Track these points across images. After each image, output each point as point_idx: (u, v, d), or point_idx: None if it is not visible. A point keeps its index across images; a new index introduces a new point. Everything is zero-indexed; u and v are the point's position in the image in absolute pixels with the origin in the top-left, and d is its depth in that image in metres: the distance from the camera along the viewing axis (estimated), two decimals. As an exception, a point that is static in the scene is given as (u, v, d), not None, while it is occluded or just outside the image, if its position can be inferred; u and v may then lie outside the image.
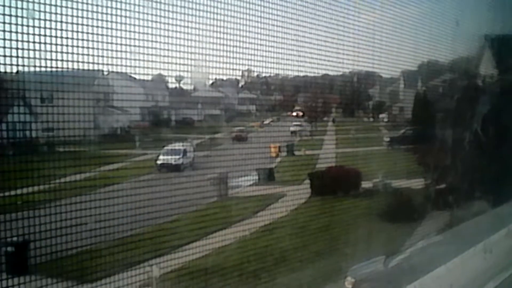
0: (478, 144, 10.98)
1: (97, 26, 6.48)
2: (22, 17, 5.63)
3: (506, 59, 12.72)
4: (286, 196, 13.26)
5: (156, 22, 7.11)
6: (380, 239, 10.00)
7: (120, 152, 12.65)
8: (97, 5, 6.48)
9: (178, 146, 14.59)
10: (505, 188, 9.87)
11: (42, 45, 5.99)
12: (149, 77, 10.40)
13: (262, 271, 10.16)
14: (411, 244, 9.03)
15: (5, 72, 6.47)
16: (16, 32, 5.63)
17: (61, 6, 6.10)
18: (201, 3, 7.61)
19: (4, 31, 5.53)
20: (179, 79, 10.49)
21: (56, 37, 6.06)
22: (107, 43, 6.63)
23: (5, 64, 5.76)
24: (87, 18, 6.30)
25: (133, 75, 10.17)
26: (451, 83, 13.41)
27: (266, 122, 17.83)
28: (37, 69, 6.39)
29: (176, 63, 7.83)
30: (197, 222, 9.86)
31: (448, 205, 11.18)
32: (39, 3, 5.78)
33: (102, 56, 6.78)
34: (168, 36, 7.28)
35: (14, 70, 6.31)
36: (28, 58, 5.95)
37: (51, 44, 6.03)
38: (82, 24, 6.25)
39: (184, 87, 13.85)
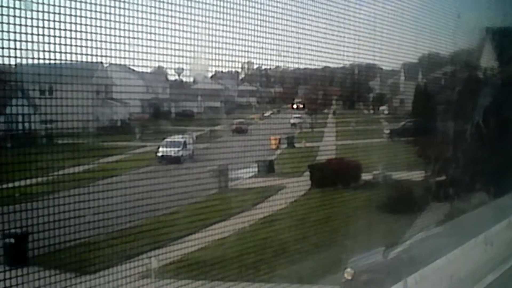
0: (479, 136, 10.95)
1: (96, 18, 6.44)
2: (20, 8, 5.59)
3: (507, 51, 12.68)
4: (286, 188, 13.25)
5: (156, 14, 7.09)
6: (380, 230, 10.00)
7: (120, 144, 12.63)
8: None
9: (178, 138, 14.59)
10: (506, 179, 9.86)
11: (41, 37, 5.96)
12: (149, 69, 10.38)
13: (262, 262, 10.16)
14: (411, 235, 9.02)
15: (3, 65, 6.45)
16: (14, 24, 5.59)
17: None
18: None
19: (1, 23, 5.49)
20: (179, 71, 10.45)
21: (54, 29, 6.02)
22: (107, 35, 6.60)
23: (2, 56, 5.74)
24: (86, 10, 6.26)
25: (132, 67, 10.15)
26: (452, 75, 13.37)
27: (267, 114, 17.81)
28: (35, 61, 6.34)
29: (176, 55, 7.81)
30: (196, 214, 9.86)
31: (448, 197, 11.17)
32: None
33: (102, 48, 6.75)
34: (168, 28, 7.25)
35: (12, 62, 6.29)
36: (26, 50, 5.92)
37: (49, 36, 5.99)
38: (81, 16, 6.21)
39: (184, 79, 13.83)
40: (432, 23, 10.69)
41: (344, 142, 16.65)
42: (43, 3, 5.83)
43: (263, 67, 16.59)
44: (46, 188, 7.72)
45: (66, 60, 6.67)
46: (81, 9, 6.17)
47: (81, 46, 6.53)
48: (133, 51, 7.37)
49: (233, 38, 7.99)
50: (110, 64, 10.18)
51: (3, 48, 5.65)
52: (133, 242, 7.94)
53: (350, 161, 14.76)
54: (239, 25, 7.93)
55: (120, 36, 6.72)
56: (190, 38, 7.64)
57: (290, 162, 14.62)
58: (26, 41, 5.84)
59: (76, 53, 6.62)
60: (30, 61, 6.39)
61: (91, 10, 6.33)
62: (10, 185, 7.14)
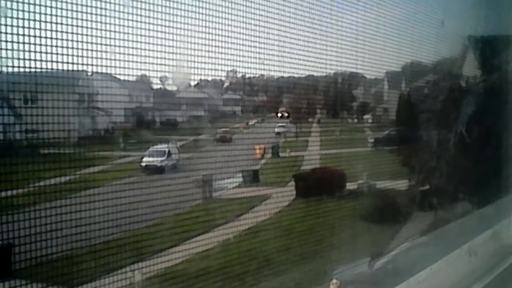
0: (462, 145, 10.99)
1: (80, 26, 6.35)
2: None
3: (490, 59, 12.77)
4: (270, 199, 13.19)
5: (139, 22, 7.02)
6: (365, 241, 9.97)
7: (103, 154, 12.48)
8: (79, 4, 6.35)
9: (162, 147, 14.46)
10: (490, 189, 9.90)
11: (21, 45, 5.84)
12: (133, 78, 10.26)
13: (247, 274, 10.07)
14: (396, 246, 9.01)
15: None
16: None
17: (40, 5, 5.95)
18: (186, 3, 7.54)
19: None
20: (163, 80, 10.37)
21: (35, 36, 5.91)
22: (90, 43, 6.51)
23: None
24: (68, 17, 6.16)
25: (117, 76, 10.04)
26: (435, 84, 13.43)
27: (251, 123, 17.73)
28: (15, 69, 6.20)
29: (160, 64, 7.76)
30: (180, 226, 9.76)
31: (432, 206, 11.18)
32: (17, 1, 5.62)
33: (86, 57, 6.65)
34: (151, 37, 7.20)
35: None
36: (7, 58, 5.80)
37: (29, 43, 5.88)
38: (64, 24, 6.11)
39: (168, 88, 13.72)
40: (415, 32, 10.74)
41: (329, 151, 16.66)
42: (23, 10, 5.72)
43: (247, 75, 16.49)
44: (22, 200, 7.54)
45: (47, 68, 6.53)
46: (63, 17, 6.07)
47: (63, 54, 6.42)
48: (118, 60, 7.29)
49: (217, 46, 7.97)
50: (94, 72, 10.06)
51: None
52: (116, 255, 7.80)
53: (334, 171, 14.75)
54: (223, 33, 7.91)
55: (104, 45, 6.64)
56: (175, 46, 7.61)
57: (275, 172, 14.58)
58: (6, 49, 5.72)
59: (58, 62, 6.49)
60: (10, 69, 6.25)
61: (74, 18, 6.24)
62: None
